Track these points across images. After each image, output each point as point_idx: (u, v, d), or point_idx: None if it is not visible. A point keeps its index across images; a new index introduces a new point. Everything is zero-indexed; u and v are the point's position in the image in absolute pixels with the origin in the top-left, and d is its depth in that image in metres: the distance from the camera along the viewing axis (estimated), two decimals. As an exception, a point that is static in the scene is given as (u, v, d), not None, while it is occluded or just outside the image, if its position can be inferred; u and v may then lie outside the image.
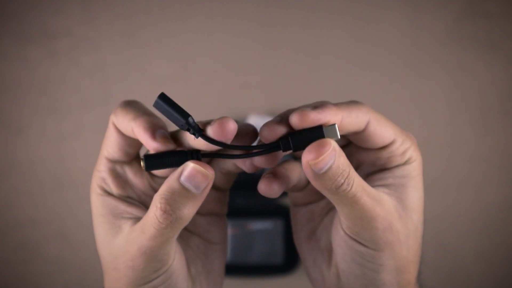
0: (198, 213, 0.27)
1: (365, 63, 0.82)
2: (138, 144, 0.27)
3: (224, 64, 0.82)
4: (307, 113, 0.24)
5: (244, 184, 0.78)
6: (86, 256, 0.81)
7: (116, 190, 0.27)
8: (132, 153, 0.27)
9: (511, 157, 0.83)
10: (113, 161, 0.27)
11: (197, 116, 0.85)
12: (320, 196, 0.30)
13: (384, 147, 0.29)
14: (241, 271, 0.78)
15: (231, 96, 0.81)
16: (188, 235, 0.28)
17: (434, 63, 0.83)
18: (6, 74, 0.80)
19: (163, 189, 0.24)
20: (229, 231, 0.78)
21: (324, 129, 0.24)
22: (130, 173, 0.27)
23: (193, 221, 0.27)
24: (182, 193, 0.23)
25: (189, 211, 0.24)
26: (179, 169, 0.24)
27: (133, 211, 0.26)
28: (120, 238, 0.25)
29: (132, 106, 0.26)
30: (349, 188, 0.25)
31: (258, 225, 0.78)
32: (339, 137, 0.25)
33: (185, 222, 0.24)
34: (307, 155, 0.24)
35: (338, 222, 0.27)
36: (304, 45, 0.82)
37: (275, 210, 0.77)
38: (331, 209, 0.29)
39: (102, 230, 0.26)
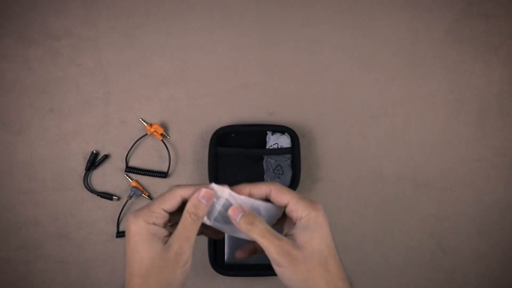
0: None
1: (365, 63, 0.82)
2: (179, 206, 0.49)
3: (224, 64, 0.82)
4: (239, 188, 0.50)
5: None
6: (86, 255, 0.81)
7: (160, 225, 0.47)
8: (175, 209, 0.49)
9: (509, 157, 0.83)
10: (166, 211, 0.47)
11: (197, 116, 0.85)
12: None
13: (286, 206, 0.48)
14: (241, 271, 0.78)
15: (231, 96, 0.81)
16: None
17: (434, 63, 0.83)
18: (7, 74, 0.81)
19: (189, 205, 0.47)
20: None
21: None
22: (166, 218, 0.48)
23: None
24: (199, 204, 0.47)
25: (203, 213, 0.48)
26: (197, 192, 0.48)
27: (168, 233, 0.48)
28: (168, 243, 0.46)
29: (186, 185, 0.49)
30: (254, 227, 0.46)
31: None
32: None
33: (202, 220, 0.48)
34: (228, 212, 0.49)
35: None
36: (304, 45, 0.82)
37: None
38: None
39: (153, 241, 0.46)
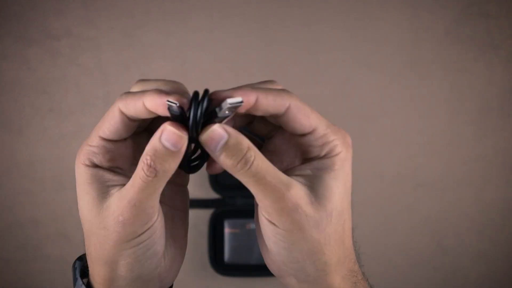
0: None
1: (365, 63, 0.82)
2: (131, 128, 0.31)
3: (224, 64, 0.82)
4: (218, 92, 0.30)
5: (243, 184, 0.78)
6: (86, 255, 0.81)
7: (105, 162, 0.30)
8: (125, 135, 0.31)
9: (509, 157, 0.83)
10: (106, 140, 0.30)
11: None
12: None
13: (304, 135, 0.30)
14: (241, 271, 0.78)
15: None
16: None
17: (434, 63, 0.83)
18: (7, 74, 0.80)
19: (147, 148, 0.27)
20: (228, 230, 0.78)
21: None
22: (119, 149, 0.31)
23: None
24: (162, 150, 0.27)
25: (170, 165, 0.28)
26: (159, 130, 0.27)
27: (120, 179, 0.30)
28: (110, 200, 0.29)
29: (128, 94, 0.30)
30: (247, 167, 0.28)
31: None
32: (227, 112, 0.28)
33: (167, 175, 0.28)
34: (200, 136, 0.28)
35: (257, 206, 0.30)
36: (304, 45, 0.82)
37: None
38: None
39: (89, 196, 0.29)
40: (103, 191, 0.29)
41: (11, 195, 0.81)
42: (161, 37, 0.81)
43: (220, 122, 0.29)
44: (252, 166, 0.28)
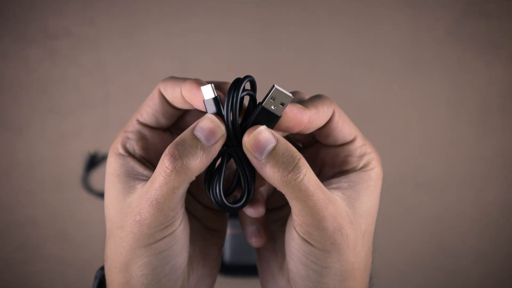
0: (200, 203, 0.28)
1: (365, 63, 0.82)
2: (171, 116, 0.28)
3: (224, 64, 0.82)
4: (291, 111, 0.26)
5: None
6: (86, 256, 0.81)
7: (138, 150, 0.27)
8: (164, 124, 0.28)
9: (510, 157, 0.83)
10: (143, 124, 0.28)
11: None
12: (280, 203, 0.31)
13: (343, 145, 0.28)
14: (242, 271, 0.78)
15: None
16: (189, 215, 0.28)
17: (434, 63, 0.83)
18: (7, 74, 0.80)
19: (176, 139, 0.25)
20: (228, 231, 0.78)
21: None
22: (155, 139, 0.28)
23: (193, 206, 0.28)
24: (192, 142, 0.24)
25: (196, 162, 0.24)
26: (196, 121, 0.25)
27: (149, 174, 0.27)
28: (132, 196, 0.26)
29: (171, 78, 0.28)
30: (300, 178, 0.24)
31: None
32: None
33: (191, 174, 0.24)
34: (244, 138, 0.24)
35: (291, 220, 0.27)
36: (304, 45, 0.82)
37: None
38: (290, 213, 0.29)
39: (115, 190, 0.26)
40: (129, 185, 0.26)
41: (11, 195, 0.81)
42: (161, 37, 0.81)
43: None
44: (304, 179, 0.24)
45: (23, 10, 0.81)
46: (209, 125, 0.24)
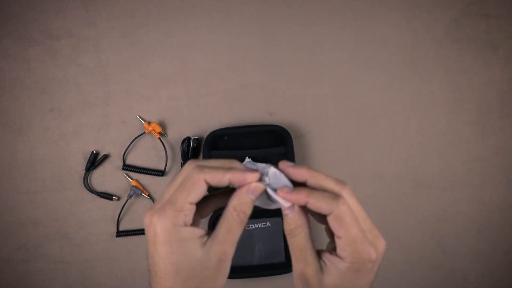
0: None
1: (365, 63, 0.82)
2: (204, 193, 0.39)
3: (224, 64, 0.82)
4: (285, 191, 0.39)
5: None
6: (86, 255, 0.81)
7: (190, 221, 0.38)
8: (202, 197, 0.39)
9: (509, 157, 0.83)
10: (192, 203, 0.38)
11: (197, 116, 0.85)
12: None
13: (334, 235, 0.39)
14: (243, 272, 0.78)
15: (231, 96, 0.81)
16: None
17: (433, 63, 0.83)
18: (7, 74, 0.80)
19: (236, 201, 0.38)
20: None
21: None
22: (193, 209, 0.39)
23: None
24: (248, 201, 0.38)
25: (251, 211, 0.38)
26: (244, 188, 0.38)
27: (203, 231, 0.38)
28: (207, 245, 0.37)
29: (209, 164, 0.39)
30: (294, 236, 0.38)
31: (258, 225, 0.78)
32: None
33: (248, 217, 0.38)
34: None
35: None
36: (304, 45, 0.82)
37: (273, 210, 0.77)
38: None
39: (191, 248, 0.37)
40: (199, 242, 0.37)
41: (11, 195, 0.81)
42: (161, 37, 0.81)
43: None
44: (295, 238, 0.39)
45: (24, 10, 0.81)
46: (257, 189, 0.38)
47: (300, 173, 0.39)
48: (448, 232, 0.83)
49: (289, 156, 0.77)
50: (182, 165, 0.80)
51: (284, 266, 0.78)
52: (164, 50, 0.81)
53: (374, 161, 0.82)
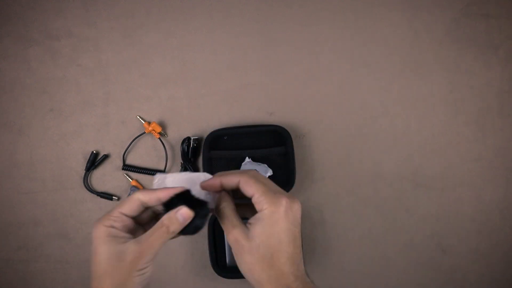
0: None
1: (365, 63, 0.82)
2: (139, 212, 0.48)
3: (224, 64, 0.82)
4: (211, 180, 0.50)
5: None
6: (86, 255, 0.81)
7: (120, 228, 0.47)
8: (135, 215, 0.48)
9: (509, 157, 0.83)
10: (124, 214, 0.47)
11: (197, 116, 0.85)
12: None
13: (251, 198, 0.48)
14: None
15: (231, 96, 0.81)
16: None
17: (433, 63, 0.83)
18: (7, 74, 0.81)
19: (166, 217, 0.46)
20: None
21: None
22: (126, 220, 0.48)
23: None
24: (176, 221, 0.45)
25: (176, 229, 0.46)
26: (177, 209, 0.46)
27: (130, 236, 0.47)
28: (128, 243, 0.46)
29: (146, 190, 0.48)
30: (220, 211, 0.49)
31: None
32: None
33: (173, 235, 0.46)
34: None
35: None
36: (304, 45, 0.82)
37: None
38: None
39: (111, 243, 0.45)
40: (121, 240, 0.46)
41: (11, 195, 0.81)
42: (161, 37, 0.81)
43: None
44: (221, 210, 0.49)
45: (24, 10, 0.81)
46: (186, 215, 0.45)
47: (214, 181, 0.49)
48: (448, 232, 0.83)
49: (289, 156, 0.77)
50: (182, 165, 0.80)
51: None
52: (164, 50, 0.81)
53: (374, 161, 0.82)
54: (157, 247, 0.45)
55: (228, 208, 0.49)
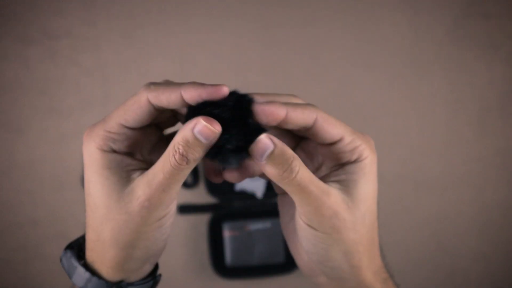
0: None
1: (365, 63, 0.82)
2: (152, 119, 0.31)
3: (224, 64, 0.82)
4: (261, 106, 0.31)
5: (240, 188, 0.78)
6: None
7: (123, 149, 0.31)
8: (147, 123, 0.31)
9: (509, 157, 0.83)
10: (127, 127, 0.30)
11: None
12: None
13: (334, 143, 0.32)
14: (244, 272, 0.78)
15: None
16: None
17: (434, 63, 0.83)
18: (7, 74, 0.80)
19: (178, 138, 0.28)
20: (228, 233, 0.78)
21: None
22: (138, 137, 0.31)
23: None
24: (195, 142, 0.28)
25: (199, 155, 0.29)
26: (192, 122, 0.28)
27: (138, 164, 0.31)
28: (133, 185, 0.30)
29: (163, 83, 0.31)
30: (293, 176, 0.29)
31: (257, 226, 0.78)
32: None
33: (195, 164, 0.29)
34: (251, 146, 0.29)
35: (297, 210, 0.32)
36: (304, 45, 0.82)
37: (272, 210, 0.77)
38: None
39: (110, 181, 0.30)
40: (123, 176, 0.30)
41: (11, 195, 0.81)
42: (161, 37, 0.81)
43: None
44: (297, 176, 0.29)
45: (23, 10, 0.81)
46: (207, 130, 0.28)
47: (278, 109, 0.31)
48: (449, 232, 0.83)
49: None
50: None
51: (284, 266, 0.78)
52: (164, 50, 0.81)
53: (374, 161, 0.82)
54: (174, 187, 0.30)
55: (306, 168, 0.30)
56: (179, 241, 0.80)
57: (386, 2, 0.83)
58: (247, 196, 0.78)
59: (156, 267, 0.37)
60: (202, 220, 0.80)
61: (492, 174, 0.83)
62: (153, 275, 0.35)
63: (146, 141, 0.33)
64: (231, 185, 0.78)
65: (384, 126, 0.82)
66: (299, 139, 0.35)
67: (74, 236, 0.82)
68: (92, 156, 0.31)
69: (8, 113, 0.81)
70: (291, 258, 0.78)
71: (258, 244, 0.78)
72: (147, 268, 0.34)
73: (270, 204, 0.78)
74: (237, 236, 0.78)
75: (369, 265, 0.33)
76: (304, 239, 0.32)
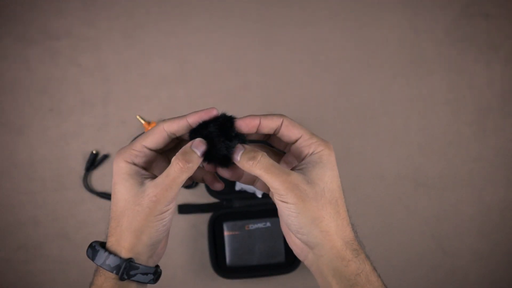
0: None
1: (365, 63, 0.82)
2: (165, 145, 0.44)
3: (224, 64, 0.82)
4: (241, 120, 0.45)
5: (239, 188, 0.78)
6: (86, 255, 0.81)
7: (142, 164, 0.44)
8: (160, 147, 0.44)
9: (509, 157, 0.83)
10: (148, 148, 0.43)
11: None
12: None
13: (297, 141, 0.43)
14: (244, 272, 0.78)
15: (231, 96, 0.81)
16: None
17: (433, 63, 0.83)
18: (7, 74, 0.81)
19: (181, 152, 0.42)
20: (227, 232, 0.78)
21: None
22: (153, 157, 0.44)
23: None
24: (191, 153, 0.41)
25: (195, 164, 0.42)
26: (190, 142, 0.42)
27: (150, 174, 0.44)
28: (145, 186, 0.42)
29: (172, 119, 0.44)
30: (256, 162, 0.41)
31: (257, 225, 0.78)
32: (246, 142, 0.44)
33: (193, 171, 0.42)
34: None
35: (271, 191, 0.43)
36: (304, 45, 0.82)
37: (272, 210, 0.77)
38: None
39: (129, 183, 0.43)
40: (139, 181, 0.42)
41: (11, 195, 0.81)
42: (161, 37, 0.81)
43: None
44: (260, 161, 0.41)
45: (24, 10, 0.81)
46: (200, 144, 0.42)
47: (253, 120, 0.44)
48: (448, 232, 0.83)
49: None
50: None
51: (284, 266, 0.78)
52: (164, 50, 0.81)
53: (374, 161, 0.82)
54: (176, 188, 0.41)
55: (268, 158, 0.42)
56: (180, 241, 0.80)
57: (386, 2, 0.83)
58: (247, 196, 0.78)
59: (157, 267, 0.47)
60: (202, 220, 0.80)
61: (492, 174, 0.83)
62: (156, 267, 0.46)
63: (157, 162, 0.45)
64: (231, 185, 0.78)
65: (384, 126, 0.82)
66: (282, 154, 0.47)
67: (74, 236, 0.83)
68: (119, 165, 0.43)
69: (8, 113, 0.81)
70: (291, 258, 0.78)
71: (258, 243, 0.78)
72: (151, 262, 0.45)
73: (270, 204, 0.78)
74: (237, 235, 0.78)
75: (337, 231, 0.41)
76: (283, 215, 0.42)
